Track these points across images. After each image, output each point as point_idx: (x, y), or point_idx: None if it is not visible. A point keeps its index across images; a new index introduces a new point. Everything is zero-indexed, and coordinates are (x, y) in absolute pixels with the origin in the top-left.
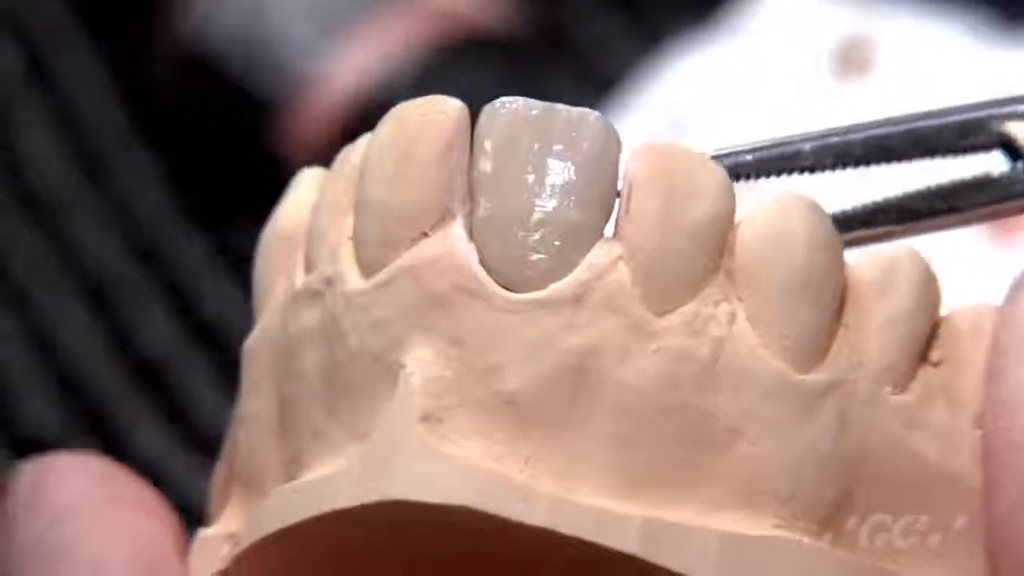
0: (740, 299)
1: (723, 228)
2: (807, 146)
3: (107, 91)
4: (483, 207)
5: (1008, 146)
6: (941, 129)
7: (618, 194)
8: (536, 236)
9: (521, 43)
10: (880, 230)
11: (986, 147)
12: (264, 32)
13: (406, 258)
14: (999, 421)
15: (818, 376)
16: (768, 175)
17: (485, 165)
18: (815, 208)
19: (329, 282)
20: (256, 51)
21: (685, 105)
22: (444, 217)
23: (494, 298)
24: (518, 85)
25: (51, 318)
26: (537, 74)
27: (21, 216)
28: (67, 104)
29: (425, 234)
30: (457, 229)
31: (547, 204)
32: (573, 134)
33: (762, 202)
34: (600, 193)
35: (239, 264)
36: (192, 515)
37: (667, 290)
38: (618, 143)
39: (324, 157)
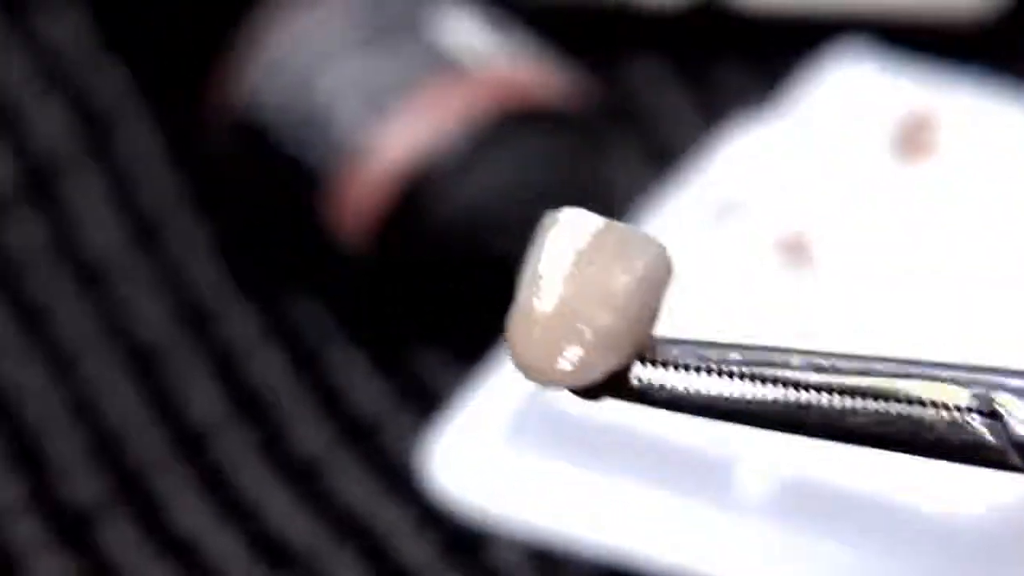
0: None
1: None
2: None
3: (160, 159)
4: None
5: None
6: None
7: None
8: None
9: (579, 116)
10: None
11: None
12: (313, 103)
13: None
14: None
15: None
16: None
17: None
18: None
19: None
20: (305, 122)
21: (740, 184)
22: None
23: None
24: (574, 159)
25: (95, 385)
26: (595, 148)
27: (70, 281)
28: (120, 171)
29: None
30: None
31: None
32: (627, 251)
33: None
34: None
35: (287, 334)
36: None
37: None
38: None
39: (373, 229)
